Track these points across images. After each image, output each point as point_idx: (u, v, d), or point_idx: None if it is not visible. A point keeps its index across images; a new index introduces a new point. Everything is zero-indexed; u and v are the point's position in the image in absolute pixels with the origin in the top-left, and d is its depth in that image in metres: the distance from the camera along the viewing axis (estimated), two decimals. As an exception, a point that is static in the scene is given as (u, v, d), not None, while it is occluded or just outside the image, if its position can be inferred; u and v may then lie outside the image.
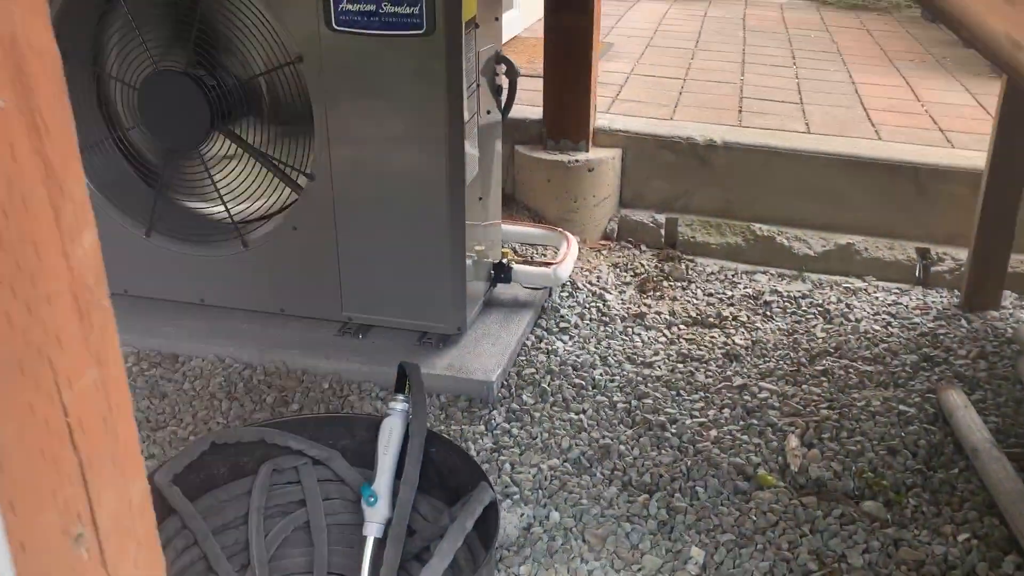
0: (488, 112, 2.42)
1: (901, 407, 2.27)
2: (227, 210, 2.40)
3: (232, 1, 2.18)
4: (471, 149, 2.28)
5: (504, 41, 4.77)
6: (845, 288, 2.98)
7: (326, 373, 2.36)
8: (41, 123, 0.60)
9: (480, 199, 2.42)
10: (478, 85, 2.30)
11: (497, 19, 2.42)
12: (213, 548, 1.39)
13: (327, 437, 1.56)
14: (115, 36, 2.33)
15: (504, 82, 2.49)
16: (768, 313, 2.82)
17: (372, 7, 2.07)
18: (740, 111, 3.60)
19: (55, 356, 0.63)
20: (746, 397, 2.34)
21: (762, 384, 2.40)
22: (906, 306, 2.86)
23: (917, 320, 2.76)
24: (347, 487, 1.56)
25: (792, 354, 2.56)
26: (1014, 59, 1.05)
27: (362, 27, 2.10)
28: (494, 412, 2.22)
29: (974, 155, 3.06)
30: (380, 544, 1.46)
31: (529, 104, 3.42)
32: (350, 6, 2.08)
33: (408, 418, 1.53)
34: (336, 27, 2.11)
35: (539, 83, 3.32)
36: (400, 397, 1.55)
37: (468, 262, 2.36)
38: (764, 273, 3.09)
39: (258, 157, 2.34)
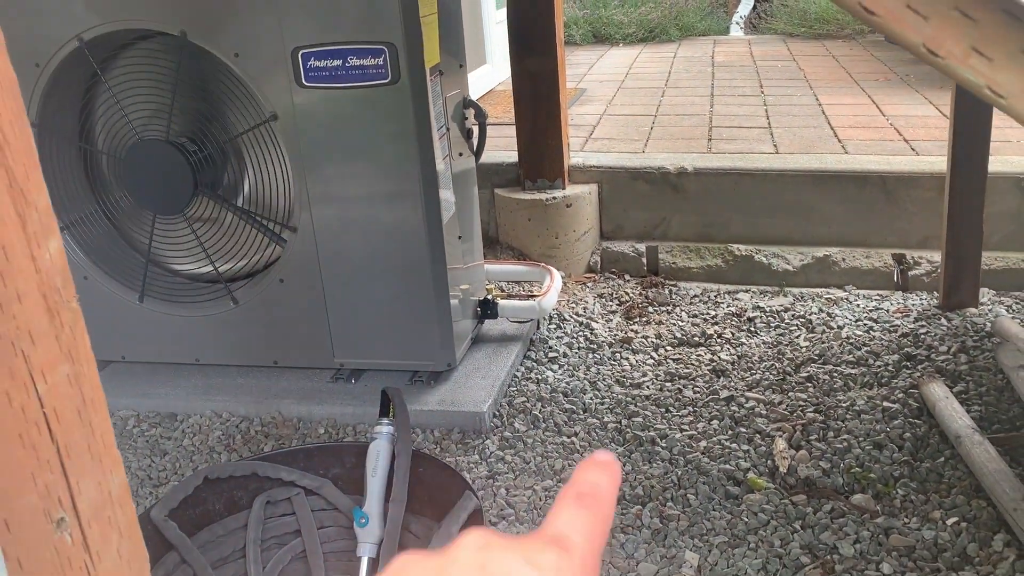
0: (460, 155, 2.51)
1: (885, 404, 2.31)
2: (215, 269, 2.48)
3: (208, 68, 2.30)
4: (445, 189, 2.36)
5: (480, 95, 4.93)
6: (826, 299, 3.04)
7: (321, 419, 2.41)
8: (2, 138, 0.68)
9: (460, 238, 2.50)
10: (447, 129, 2.40)
11: (461, 66, 2.53)
12: (212, 581, 1.43)
13: (317, 467, 1.61)
14: (100, 110, 2.44)
15: (474, 126, 2.59)
16: (752, 329, 2.87)
17: (339, 62, 2.18)
18: (710, 139, 3.70)
19: (28, 350, 0.70)
20: (733, 408, 2.38)
21: (749, 395, 2.44)
22: (887, 311, 2.91)
23: (898, 323, 2.81)
24: (340, 514, 1.60)
25: (777, 364, 2.61)
26: (933, 63, 1.15)
27: (330, 81, 2.20)
28: (487, 441, 2.27)
29: (938, 160, 3.15)
30: (374, 564, 1.49)
31: (505, 149, 3.53)
32: (318, 62, 2.19)
33: (394, 440, 1.58)
34: (306, 83, 2.21)
35: (514, 129, 3.43)
36: (385, 421, 1.61)
37: (453, 300, 2.42)
38: (746, 291, 3.15)
39: (241, 215, 2.42)
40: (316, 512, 1.60)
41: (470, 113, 2.58)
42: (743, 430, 2.27)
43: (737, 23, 7.57)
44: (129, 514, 0.83)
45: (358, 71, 2.19)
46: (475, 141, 2.61)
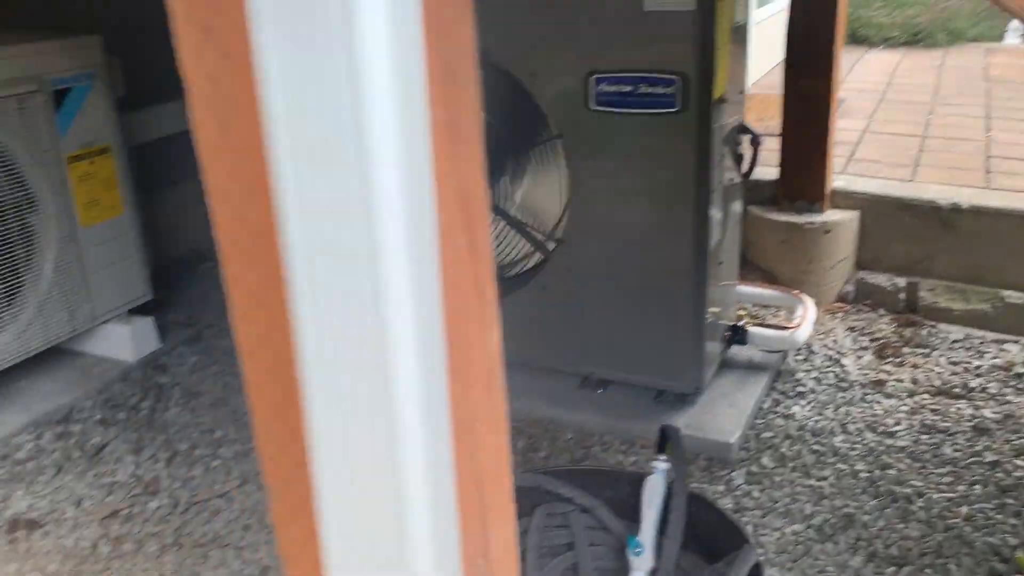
0: (731, 180, 2.52)
1: None
2: (485, 269, 2.64)
3: (502, 84, 2.44)
4: (716, 216, 2.39)
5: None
6: (1111, 362, 2.79)
7: (568, 424, 2.52)
8: (477, 252, 0.79)
9: (720, 263, 2.51)
10: (722, 155, 2.42)
11: (741, 92, 2.53)
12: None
13: (592, 488, 1.71)
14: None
15: (747, 150, 2.58)
16: (1021, 386, 2.69)
17: (629, 88, 2.25)
18: (987, 172, 3.46)
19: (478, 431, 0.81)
20: (999, 474, 2.26)
21: (1017, 462, 2.30)
22: None
23: None
24: (610, 535, 1.69)
25: (1051, 431, 2.44)
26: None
27: (618, 106, 2.27)
28: (734, 473, 2.29)
29: None
30: (645, 592, 1.58)
31: (762, 164, 3.47)
32: (609, 87, 2.27)
33: (669, 477, 1.65)
34: (594, 107, 2.30)
35: (771, 142, 3.36)
36: (662, 457, 1.68)
37: (708, 322, 2.45)
38: (1015, 343, 2.95)
39: (513, 224, 2.57)
40: (587, 530, 1.70)
41: (744, 139, 2.58)
42: (1010, 501, 2.15)
43: (1015, 29, 6.93)
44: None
45: (647, 98, 2.24)
46: (744, 165, 2.61)
